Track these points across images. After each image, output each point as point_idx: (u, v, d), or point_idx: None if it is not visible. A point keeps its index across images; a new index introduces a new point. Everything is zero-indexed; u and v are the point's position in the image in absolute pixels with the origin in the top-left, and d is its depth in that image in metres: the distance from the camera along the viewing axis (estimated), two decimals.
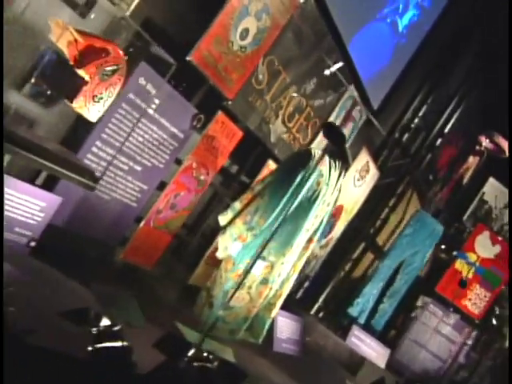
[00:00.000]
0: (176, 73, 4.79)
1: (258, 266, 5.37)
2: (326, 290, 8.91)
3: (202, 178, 5.60)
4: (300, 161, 5.35)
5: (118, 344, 3.23)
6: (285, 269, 5.52)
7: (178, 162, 5.32)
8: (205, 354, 4.00)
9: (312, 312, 8.85)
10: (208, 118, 5.27)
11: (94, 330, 3.25)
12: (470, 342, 9.20)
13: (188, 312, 5.61)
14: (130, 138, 4.75)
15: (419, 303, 9.13)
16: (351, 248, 9.20)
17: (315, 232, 5.65)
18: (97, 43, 3.64)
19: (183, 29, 4.75)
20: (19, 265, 3.48)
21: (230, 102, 5.37)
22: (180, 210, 5.58)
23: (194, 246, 6.21)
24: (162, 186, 5.31)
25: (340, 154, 5.56)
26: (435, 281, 9.51)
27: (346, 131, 7.43)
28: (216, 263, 6.11)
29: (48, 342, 2.95)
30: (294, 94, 6.20)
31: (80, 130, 4.42)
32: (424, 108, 9.33)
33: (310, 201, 5.39)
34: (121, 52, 3.74)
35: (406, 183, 9.54)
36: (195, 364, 3.88)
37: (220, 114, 5.34)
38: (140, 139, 4.83)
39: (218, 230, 6.12)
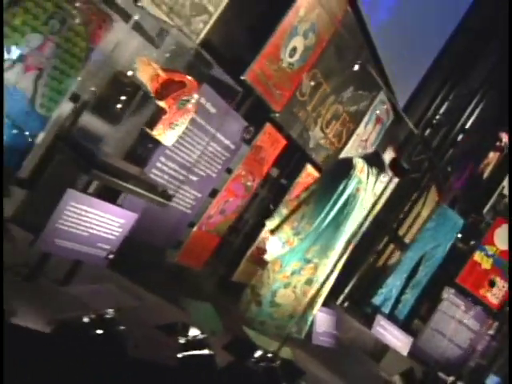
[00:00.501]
0: (231, 89, 5.14)
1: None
2: (351, 281, 9.30)
3: (249, 184, 5.97)
4: (342, 170, 5.73)
5: (205, 352, 3.63)
6: (327, 269, 5.91)
7: (229, 171, 5.69)
8: (269, 355, 4.42)
9: (337, 302, 9.25)
10: (257, 130, 5.61)
11: (183, 339, 3.64)
12: (490, 332, 9.60)
13: (233, 308, 6.03)
14: (189, 152, 5.11)
15: (443, 294, 9.51)
16: (375, 241, 9.58)
17: (353, 235, 6.03)
18: (176, 77, 3.98)
19: (237, 49, 5.07)
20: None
21: (277, 115, 5.70)
22: (228, 214, 5.97)
23: (236, 245, 6.59)
24: (213, 193, 5.67)
25: (377, 162, 5.95)
26: (455, 271, 9.88)
27: (375, 133, 7.80)
28: (257, 261, 6.55)
29: (145, 354, 3.36)
30: (333, 103, 6.53)
31: (144, 145, 4.75)
32: (446, 104, 9.64)
33: (350, 206, 5.80)
34: (195, 83, 4.07)
35: (427, 178, 9.89)
36: (261, 364, 4.29)
37: (268, 126, 5.69)
38: (197, 152, 5.19)
39: (258, 230, 6.55)
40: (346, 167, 5.72)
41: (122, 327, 3.16)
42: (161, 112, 4.00)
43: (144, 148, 4.50)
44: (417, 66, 8.73)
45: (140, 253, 5.24)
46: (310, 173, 6.71)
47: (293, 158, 6.59)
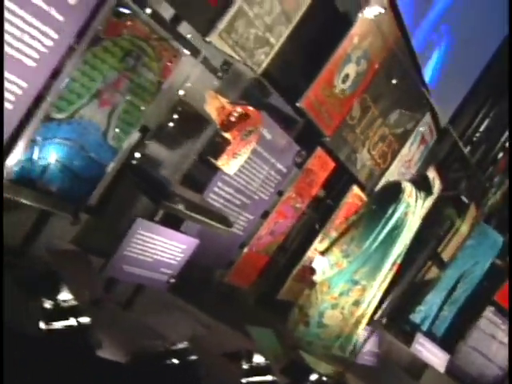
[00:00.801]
0: (285, 116, 5.26)
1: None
2: (389, 298, 9.33)
3: (298, 205, 6.09)
4: (391, 194, 5.82)
5: (268, 378, 3.75)
6: (374, 291, 6.00)
7: (280, 193, 5.80)
8: (324, 378, 4.52)
9: (376, 319, 9.28)
10: (308, 153, 5.73)
11: (247, 366, 3.76)
12: None
13: (280, 326, 6.15)
14: (244, 176, 5.24)
15: (482, 312, 9.52)
16: (414, 258, 9.59)
17: (399, 255, 6.11)
18: (240, 109, 4.10)
19: (293, 77, 5.18)
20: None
21: (327, 139, 5.81)
22: (277, 235, 6.09)
23: (282, 264, 6.70)
24: (264, 215, 5.78)
25: (425, 186, 6.03)
26: (494, 289, 9.87)
27: (419, 153, 7.87)
28: (302, 279, 6.66)
29: (214, 381, 3.48)
30: (380, 125, 6.62)
31: (205, 172, 4.89)
32: (486, 122, 9.66)
33: (399, 230, 5.88)
34: (259, 115, 4.19)
35: (466, 195, 9.89)
36: None
37: (319, 150, 5.80)
38: (252, 177, 5.31)
39: (304, 249, 6.67)
40: (395, 191, 5.80)
41: (195, 357, 3.28)
42: (226, 143, 4.13)
43: (205, 175, 4.65)
44: (459, 85, 8.76)
45: (193, 273, 5.38)
46: (356, 193, 6.80)
47: (339, 179, 6.68)
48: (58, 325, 2.71)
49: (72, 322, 2.72)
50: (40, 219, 3.96)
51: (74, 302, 2.73)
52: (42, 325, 2.73)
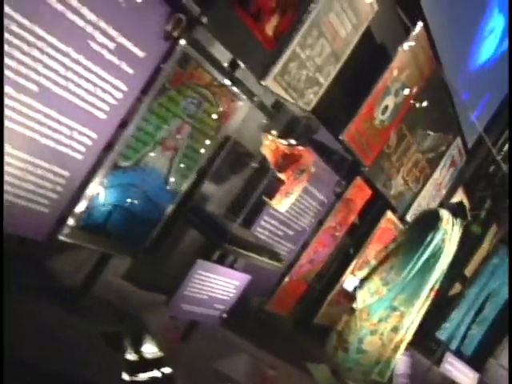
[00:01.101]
0: (327, 149, 5.34)
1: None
2: None
3: (337, 234, 6.17)
4: (429, 222, 5.91)
5: None
6: (412, 316, 6.08)
7: (320, 222, 5.87)
8: None
9: None
10: (347, 183, 5.81)
11: None
12: None
13: (317, 352, 6.25)
14: (289, 209, 5.31)
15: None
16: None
17: (436, 281, 6.19)
18: (294, 150, 4.19)
19: (336, 112, 5.27)
20: None
21: (366, 169, 5.89)
22: (316, 263, 6.17)
23: (318, 289, 6.78)
24: (305, 244, 5.86)
25: (461, 212, 6.12)
26: None
27: (449, 176, 7.96)
28: (338, 304, 6.74)
29: None
30: (414, 152, 6.71)
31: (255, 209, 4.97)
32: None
33: (436, 257, 5.96)
34: (311, 155, 4.28)
35: (489, 214, 9.97)
36: None
37: (358, 180, 5.88)
38: (295, 208, 5.39)
39: (339, 274, 6.74)
40: (433, 219, 5.88)
41: None
42: (280, 183, 4.22)
43: (253, 210, 4.74)
44: (485, 105, 8.85)
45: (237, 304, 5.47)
46: (389, 218, 6.88)
47: (374, 205, 6.76)
48: (142, 376, 2.78)
49: (156, 373, 2.79)
50: (100, 260, 4.05)
51: (157, 353, 2.80)
52: (125, 376, 2.81)
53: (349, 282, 6.15)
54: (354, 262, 6.75)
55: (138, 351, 2.81)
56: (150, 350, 2.83)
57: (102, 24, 3.14)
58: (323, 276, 6.79)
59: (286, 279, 5.86)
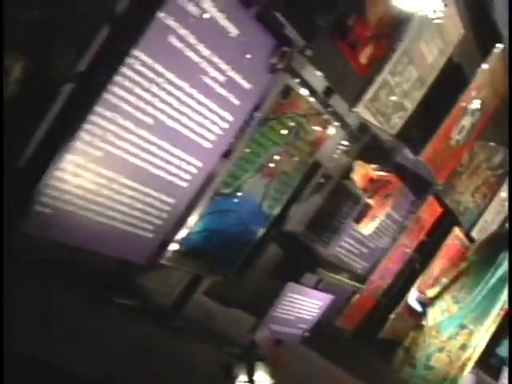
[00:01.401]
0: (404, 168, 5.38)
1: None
2: None
3: (407, 251, 6.21)
4: (501, 243, 5.93)
5: None
6: (480, 335, 6.10)
7: (393, 240, 5.92)
8: None
9: None
10: (420, 201, 5.84)
11: None
12: None
13: (383, 367, 6.31)
14: None
15: None
16: None
17: (505, 301, 6.19)
18: (382, 176, 4.26)
19: (416, 133, 5.31)
20: None
21: (440, 187, 5.91)
22: (386, 278, 6.21)
23: (384, 304, 6.82)
24: (377, 261, 5.91)
25: None
26: None
27: None
28: (403, 319, 6.77)
29: None
30: (484, 169, 6.72)
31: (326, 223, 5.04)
32: None
33: (507, 277, 5.96)
34: (397, 180, 4.34)
35: None
36: None
37: (431, 198, 5.91)
38: (374, 229, 5.44)
39: (406, 289, 6.78)
40: (505, 240, 5.91)
41: None
42: (368, 208, 4.29)
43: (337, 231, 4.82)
44: None
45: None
46: (457, 235, 6.88)
47: (442, 222, 6.78)
48: None
49: None
50: (192, 281, 4.17)
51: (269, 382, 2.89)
52: None
53: (414, 297, 6.20)
54: (419, 278, 6.77)
55: (251, 380, 2.91)
56: (262, 378, 2.92)
57: (215, 59, 3.23)
58: (390, 291, 6.82)
59: (358, 295, 5.91)
